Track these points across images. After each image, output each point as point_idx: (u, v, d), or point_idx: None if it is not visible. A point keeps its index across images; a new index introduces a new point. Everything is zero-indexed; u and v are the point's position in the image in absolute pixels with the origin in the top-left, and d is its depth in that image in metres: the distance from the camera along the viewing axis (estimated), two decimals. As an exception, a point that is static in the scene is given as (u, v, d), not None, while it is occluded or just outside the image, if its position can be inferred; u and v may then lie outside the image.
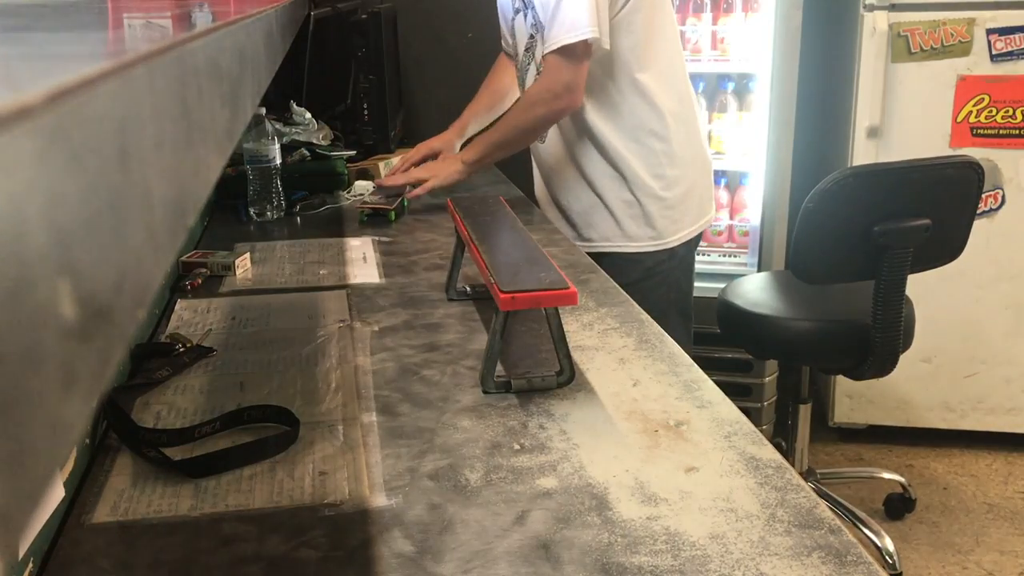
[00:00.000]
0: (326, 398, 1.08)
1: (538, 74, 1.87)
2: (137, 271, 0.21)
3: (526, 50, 1.91)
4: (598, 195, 1.90)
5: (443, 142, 2.04)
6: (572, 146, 1.91)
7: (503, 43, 2.10)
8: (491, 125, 1.98)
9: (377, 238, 1.76)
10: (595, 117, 1.85)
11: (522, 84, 1.96)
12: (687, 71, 1.95)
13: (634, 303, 1.38)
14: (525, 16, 1.89)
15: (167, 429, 1.00)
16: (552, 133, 1.93)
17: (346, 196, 2.06)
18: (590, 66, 1.78)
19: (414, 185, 1.93)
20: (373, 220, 1.87)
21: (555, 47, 1.73)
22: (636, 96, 1.83)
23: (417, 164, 2.00)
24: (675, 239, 1.89)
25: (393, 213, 1.87)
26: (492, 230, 1.29)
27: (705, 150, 1.98)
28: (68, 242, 0.16)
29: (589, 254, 1.66)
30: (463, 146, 2.02)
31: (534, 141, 1.94)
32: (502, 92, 2.11)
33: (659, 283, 1.89)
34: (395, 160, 2.22)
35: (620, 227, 1.88)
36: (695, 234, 1.94)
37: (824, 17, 2.91)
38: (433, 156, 2.00)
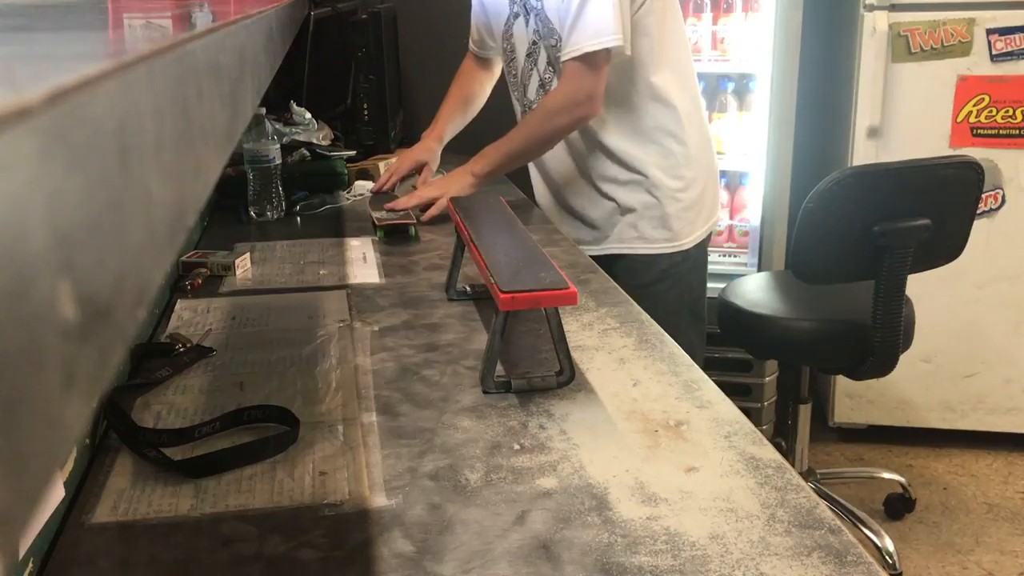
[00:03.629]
0: (326, 398, 1.08)
1: (544, 83, 1.86)
2: (137, 271, 0.21)
3: (527, 56, 1.87)
4: (613, 199, 1.87)
5: (426, 152, 2.02)
6: (584, 151, 1.87)
7: (474, 46, 2.09)
8: (510, 136, 1.87)
9: (377, 238, 1.75)
10: (612, 121, 1.82)
11: (521, 90, 1.93)
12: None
13: (634, 303, 1.38)
14: (526, 21, 1.85)
15: (167, 429, 1.00)
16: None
17: (346, 196, 2.06)
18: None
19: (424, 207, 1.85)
20: (392, 238, 1.74)
21: (576, 54, 1.69)
22: (652, 99, 1.81)
23: (405, 178, 2.02)
24: (689, 240, 1.87)
25: (414, 228, 1.77)
26: (492, 230, 1.29)
27: (714, 150, 1.98)
28: (68, 242, 0.16)
29: (600, 257, 1.60)
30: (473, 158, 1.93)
31: (548, 151, 1.88)
32: (472, 97, 2.10)
33: (673, 285, 1.87)
34: (384, 165, 2.21)
35: (636, 229, 1.86)
36: (707, 234, 1.93)
37: (824, 17, 2.91)
38: (418, 168, 2.01)
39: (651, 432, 0.99)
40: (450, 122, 2.07)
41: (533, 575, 0.75)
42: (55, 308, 0.16)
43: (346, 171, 2.11)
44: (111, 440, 0.99)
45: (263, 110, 1.99)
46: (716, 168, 1.98)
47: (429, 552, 0.79)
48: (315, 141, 2.23)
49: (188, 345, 1.21)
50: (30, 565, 0.76)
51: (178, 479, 0.91)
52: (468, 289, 1.41)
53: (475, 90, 2.12)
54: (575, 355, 1.16)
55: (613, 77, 1.75)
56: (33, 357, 0.15)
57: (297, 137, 2.22)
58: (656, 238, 1.85)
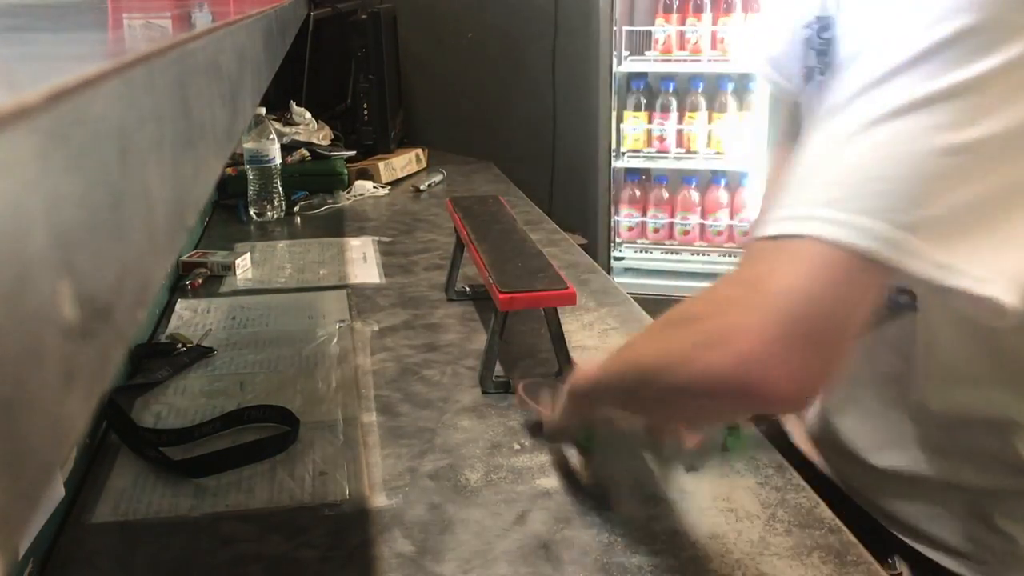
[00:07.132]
0: (326, 398, 1.08)
1: None
2: (137, 271, 0.21)
3: None
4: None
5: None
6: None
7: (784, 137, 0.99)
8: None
9: (377, 238, 1.76)
10: None
11: None
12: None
13: (635, 303, 1.38)
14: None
15: (167, 429, 1.00)
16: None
17: (346, 196, 2.06)
18: None
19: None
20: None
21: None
22: None
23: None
24: None
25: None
26: (492, 230, 1.29)
27: None
28: (68, 242, 0.16)
29: None
30: None
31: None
32: None
33: None
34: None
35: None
36: None
37: (824, 17, 2.90)
38: None
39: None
40: None
41: (533, 575, 0.75)
42: (55, 308, 0.16)
43: (346, 171, 2.11)
44: (111, 440, 0.99)
45: (263, 110, 1.99)
46: None
47: (429, 552, 0.79)
48: (315, 141, 2.23)
49: (188, 345, 1.21)
50: (30, 565, 0.76)
51: (178, 479, 0.91)
52: (468, 289, 1.41)
53: None
54: (575, 355, 1.16)
55: None
56: (33, 357, 0.15)
57: (297, 137, 2.22)
58: None
